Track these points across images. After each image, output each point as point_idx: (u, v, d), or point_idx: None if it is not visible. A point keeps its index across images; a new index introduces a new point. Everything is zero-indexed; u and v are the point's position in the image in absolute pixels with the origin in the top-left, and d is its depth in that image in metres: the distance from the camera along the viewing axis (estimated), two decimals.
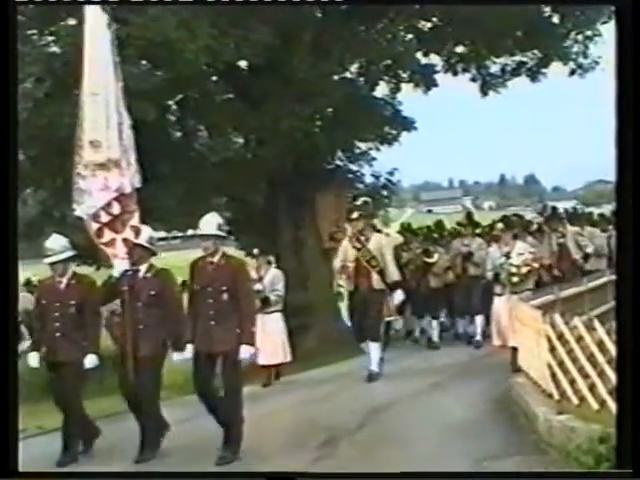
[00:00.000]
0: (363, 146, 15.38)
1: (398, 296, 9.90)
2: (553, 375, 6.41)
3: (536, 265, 9.73)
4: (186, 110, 14.02)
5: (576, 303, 9.42)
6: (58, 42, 12.72)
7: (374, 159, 15.57)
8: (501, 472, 5.77)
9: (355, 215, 9.96)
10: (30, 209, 14.84)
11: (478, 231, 13.11)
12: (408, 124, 15.02)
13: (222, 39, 11.99)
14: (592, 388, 5.93)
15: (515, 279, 9.47)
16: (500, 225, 10.33)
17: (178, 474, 6.22)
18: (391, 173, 15.92)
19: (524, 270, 9.48)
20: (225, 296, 6.68)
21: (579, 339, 6.12)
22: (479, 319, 11.94)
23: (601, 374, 5.84)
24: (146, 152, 13.11)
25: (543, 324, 6.55)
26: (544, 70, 15.53)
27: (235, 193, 14.34)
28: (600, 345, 5.88)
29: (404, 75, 14.76)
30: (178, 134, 14.51)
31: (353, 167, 15.61)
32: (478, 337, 11.93)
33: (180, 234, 20.73)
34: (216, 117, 13.72)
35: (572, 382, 6.16)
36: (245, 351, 6.63)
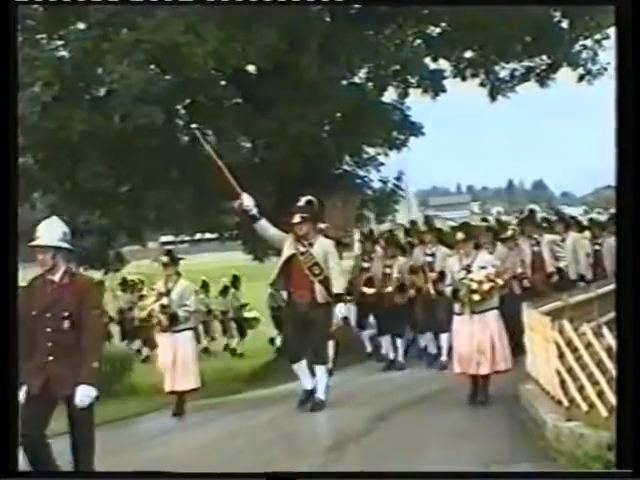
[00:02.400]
0: (371, 151, 15.37)
1: (340, 311, 8.60)
2: (562, 382, 6.38)
3: (500, 281, 8.39)
4: (194, 114, 14.03)
5: (585, 310, 9.36)
6: (67, 46, 12.78)
7: (382, 164, 15.57)
8: (502, 472, 5.76)
9: (297, 219, 8.57)
10: (38, 213, 14.85)
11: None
12: (416, 129, 14.99)
13: (230, 43, 12.02)
14: (601, 395, 5.90)
15: (476, 297, 8.18)
16: (460, 234, 8.74)
17: (178, 474, 6.20)
18: (399, 178, 15.92)
19: (486, 287, 8.17)
20: (67, 324, 5.36)
21: (588, 345, 6.09)
22: (444, 337, 10.72)
23: (610, 381, 5.80)
24: (154, 156, 13.30)
25: (552, 330, 6.52)
26: (553, 75, 15.50)
27: None
28: (609, 352, 5.85)
29: (412, 80, 14.73)
30: (186, 138, 14.52)
31: (361, 172, 15.60)
32: (443, 357, 10.87)
33: (188, 238, 20.76)
34: (224, 121, 13.74)
35: (581, 389, 6.13)
36: (83, 394, 5.27)
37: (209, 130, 14.45)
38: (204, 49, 11.79)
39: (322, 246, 8.58)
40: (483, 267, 8.30)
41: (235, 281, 18.70)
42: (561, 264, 10.88)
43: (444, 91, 14.87)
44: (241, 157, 13.84)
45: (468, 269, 8.33)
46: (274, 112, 13.06)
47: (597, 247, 12.21)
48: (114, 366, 11.31)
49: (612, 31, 13.93)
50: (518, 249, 10.90)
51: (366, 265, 11.61)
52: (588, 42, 14.93)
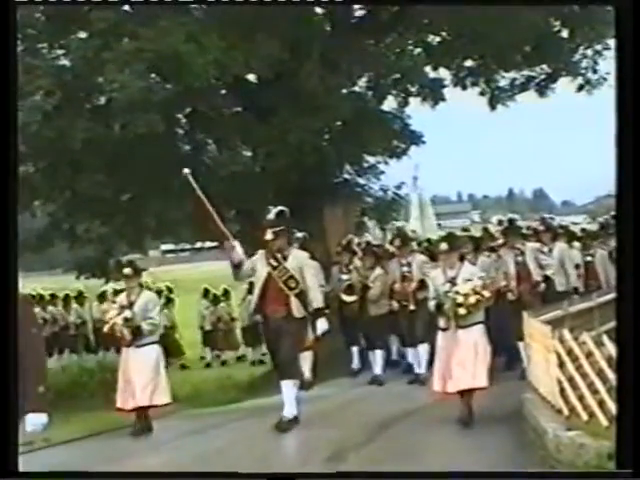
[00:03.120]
0: (371, 160, 15.38)
1: (321, 325, 8.24)
2: (562, 391, 6.37)
3: (486, 294, 7.98)
4: (195, 123, 14.06)
5: (585, 319, 9.35)
6: (68, 55, 12.81)
7: (382, 173, 15.57)
8: (502, 472, 5.76)
9: (270, 236, 8.22)
10: (39, 221, 14.87)
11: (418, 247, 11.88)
12: (416, 138, 15.01)
13: (231, 52, 12.04)
14: (601, 404, 5.89)
15: (461, 311, 7.85)
16: (444, 245, 8.39)
17: (178, 474, 6.20)
18: (399, 187, 15.93)
19: (472, 300, 7.84)
20: None
21: (588, 355, 6.09)
22: (422, 348, 10.50)
23: (610, 390, 5.79)
24: (155, 165, 13.31)
25: (552, 339, 6.52)
26: (552, 85, 15.53)
27: (243, 206, 14.34)
28: (609, 361, 5.85)
29: (413, 89, 14.76)
30: (187, 147, 14.54)
31: (361, 181, 15.61)
32: (422, 370, 10.47)
33: (189, 247, 20.78)
34: (225, 130, 13.76)
35: (581, 398, 6.12)
36: (32, 423, 4.99)
37: (210, 139, 14.51)
38: (205, 58, 11.81)
39: (297, 259, 8.28)
40: (469, 279, 7.98)
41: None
42: (547, 272, 10.25)
43: (444, 100, 14.91)
44: (241, 166, 13.87)
45: (453, 282, 8.01)
46: (274, 121, 13.08)
47: (589, 258, 11.97)
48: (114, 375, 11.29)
49: (611, 41, 14.00)
50: (501, 260, 10.45)
51: (345, 277, 11.36)
52: (588, 52, 14.96)
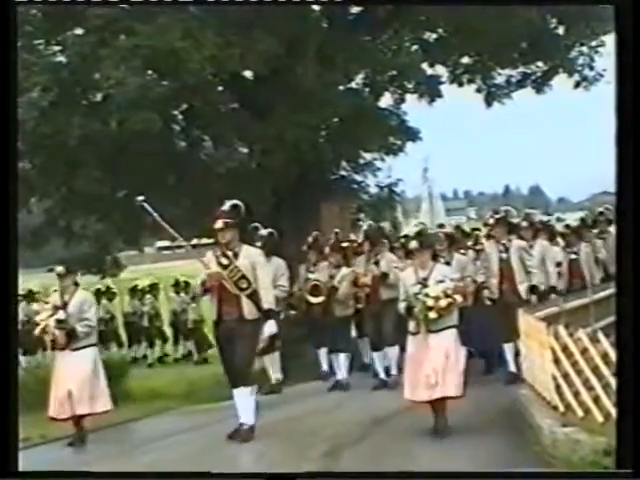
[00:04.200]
0: (368, 156, 15.39)
1: (269, 328, 7.65)
2: (557, 387, 6.39)
3: (459, 298, 7.48)
4: (191, 120, 14.05)
5: (581, 315, 9.37)
6: (65, 51, 12.80)
7: (379, 169, 15.58)
8: (501, 472, 5.77)
9: (220, 225, 7.71)
10: (35, 218, 14.86)
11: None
12: (413, 134, 15.02)
13: (227, 49, 12.04)
14: (597, 400, 5.91)
15: (432, 314, 7.32)
16: (414, 243, 7.88)
17: (178, 474, 6.20)
18: (395, 184, 15.94)
19: (443, 303, 7.32)
20: None
21: (583, 351, 6.11)
22: (392, 351, 10.07)
23: (606, 386, 5.82)
24: (151, 162, 13.30)
25: (547, 336, 6.54)
26: (549, 82, 15.54)
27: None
28: (605, 357, 5.87)
29: (409, 86, 14.76)
30: (183, 144, 14.54)
31: (358, 177, 15.62)
32: (392, 374, 10.09)
33: (185, 244, 20.72)
34: (221, 127, 13.76)
35: (576, 394, 6.14)
36: None
37: (206, 136, 14.50)
38: (201, 55, 11.81)
39: (249, 256, 7.71)
40: (441, 281, 7.45)
41: None
42: (534, 279, 9.60)
43: (440, 97, 14.92)
44: (238, 163, 13.87)
45: (424, 283, 7.48)
46: (271, 117, 13.08)
47: (573, 256, 11.45)
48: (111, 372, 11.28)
49: (608, 38, 14.03)
50: (484, 255, 9.94)
51: (311, 276, 10.64)
52: (584, 49, 14.97)
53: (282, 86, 13.09)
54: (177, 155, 13.98)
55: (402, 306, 7.65)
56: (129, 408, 10.46)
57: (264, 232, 10.40)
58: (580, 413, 6.08)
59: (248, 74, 13.76)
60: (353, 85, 14.74)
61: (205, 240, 17.91)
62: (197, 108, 13.81)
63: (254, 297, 7.60)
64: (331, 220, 14.23)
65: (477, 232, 11.92)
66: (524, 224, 10.50)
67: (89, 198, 13.60)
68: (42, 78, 12.10)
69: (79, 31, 12.75)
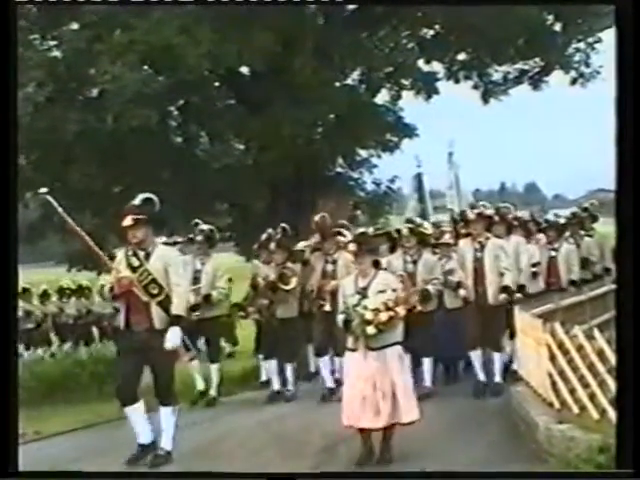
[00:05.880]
0: (364, 153, 15.38)
1: (171, 337, 6.69)
2: (553, 384, 6.40)
3: (401, 310, 6.57)
4: (188, 116, 14.03)
5: (577, 312, 9.38)
6: (60, 47, 12.77)
7: (375, 166, 15.57)
8: (501, 472, 5.77)
9: (129, 221, 6.81)
10: (31, 213, 14.83)
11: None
12: (409, 131, 15.00)
13: (224, 45, 12.01)
14: (592, 397, 5.92)
15: (370, 330, 6.45)
16: (352, 246, 7.05)
17: (178, 474, 6.19)
18: (392, 180, 15.92)
19: (383, 317, 6.44)
20: None
21: (579, 348, 6.11)
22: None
23: (601, 383, 5.83)
24: (147, 158, 13.28)
25: (543, 333, 6.54)
26: (546, 78, 15.53)
27: (236, 199, 14.33)
28: (600, 354, 5.88)
29: (406, 82, 14.73)
30: (179, 140, 14.51)
31: (354, 174, 15.60)
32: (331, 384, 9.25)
33: (181, 239, 20.68)
34: (217, 123, 13.74)
35: (572, 391, 6.15)
36: None
37: (202, 132, 14.48)
38: (198, 50, 11.79)
39: (162, 257, 6.84)
40: (382, 291, 6.60)
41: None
42: (506, 280, 8.92)
43: (437, 93, 14.90)
44: (234, 159, 13.86)
45: (363, 293, 6.64)
46: (267, 114, 13.06)
47: (552, 253, 10.74)
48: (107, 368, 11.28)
49: (604, 34, 14.02)
50: (459, 253, 9.18)
51: (260, 276, 9.88)
52: (581, 45, 14.95)
53: (278, 82, 13.06)
54: (173, 151, 13.95)
55: (340, 318, 6.76)
56: None
57: (205, 227, 9.93)
58: (576, 410, 6.09)
59: (245, 70, 13.74)
60: (349, 81, 14.72)
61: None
62: (193, 104, 13.80)
63: (166, 304, 6.74)
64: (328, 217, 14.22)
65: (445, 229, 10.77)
66: (496, 218, 9.66)
67: (84, 193, 13.58)
68: (38, 73, 12.06)
69: (75, 26, 12.72)
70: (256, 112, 13.27)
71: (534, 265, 10.05)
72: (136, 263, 6.77)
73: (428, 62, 14.76)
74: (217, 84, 13.92)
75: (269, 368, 9.88)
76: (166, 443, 6.83)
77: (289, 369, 9.69)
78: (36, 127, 12.05)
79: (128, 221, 6.77)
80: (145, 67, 12.55)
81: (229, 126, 13.76)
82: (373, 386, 6.51)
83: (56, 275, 18.51)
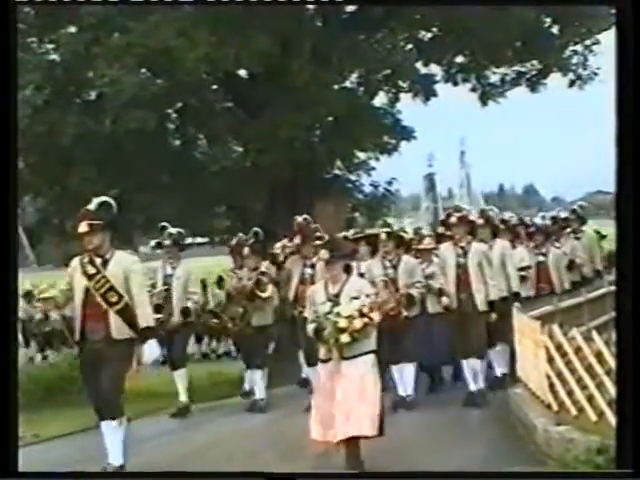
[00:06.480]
0: (362, 155, 15.39)
1: (150, 351, 6.46)
2: (551, 386, 6.40)
3: (375, 316, 6.27)
4: (186, 118, 14.04)
5: (575, 314, 9.37)
6: (58, 49, 12.78)
7: (373, 169, 15.58)
8: (501, 472, 5.78)
9: (84, 228, 6.52)
10: (29, 217, 14.84)
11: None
12: (407, 133, 15.02)
13: (222, 48, 12.02)
14: (590, 399, 5.92)
15: (345, 338, 6.15)
16: (323, 253, 6.67)
17: (178, 474, 6.18)
18: (390, 183, 15.94)
19: (357, 324, 6.14)
20: None
21: (577, 350, 6.12)
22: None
23: (599, 385, 5.83)
24: (146, 160, 13.28)
25: (541, 335, 6.54)
26: (544, 81, 15.56)
27: (234, 201, 14.34)
28: (598, 356, 5.88)
29: (404, 85, 14.76)
30: (177, 142, 14.52)
31: (352, 177, 15.61)
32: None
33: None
34: (215, 126, 13.74)
35: (570, 393, 6.15)
36: None
37: (200, 134, 14.49)
38: (196, 53, 11.80)
39: (121, 264, 6.54)
40: (355, 297, 6.30)
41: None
42: (491, 295, 8.66)
43: (435, 96, 14.92)
44: (232, 161, 13.86)
45: (335, 300, 6.35)
46: (265, 116, 13.07)
47: (541, 258, 10.50)
48: None
49: (602, 36, 14.06)
50: (440, 258, 8.93)
51: (233, 282, 9.59)
52: (578, 47, 14.98)
53: (276, 85, 13.08)
54: (171, 154, 13.96)
55: (311, 328, 6.41)
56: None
57: (173, 231, 9.62)
58: (574, 412, 6.09)
59: (242, 73, 13.76)
60: (347, 84, 14.74)
61: (199, 239, 18.03)
62: (191, 107, 13.81)
63: (126, 313, 6.42)
64: (326, 219, 14.23)
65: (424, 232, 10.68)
66: (480, 221, 9.38)
67: (82, 196, 13.56)
68: (36, 76, 12.07)
69: (72, 29, 12.73)
70: (254, 115, 13.29)
71: (523, 269, 9.85)
72: (92, 271, 6.46)
73: (426, 64, 14.78)
74: (215, 87, 13.93)
75: (250, 377, 9.66)
76: (115, 458, 6.42)
77: (259, 376, 9.38)
78: (34, 130, 12.06)
79: (83, 227, 6.50)
80: (143, 70, 12.57)
81: (227, 129, 13.77)
82: (344, 398, 6.23)
83: (54, 278, 18.49)
